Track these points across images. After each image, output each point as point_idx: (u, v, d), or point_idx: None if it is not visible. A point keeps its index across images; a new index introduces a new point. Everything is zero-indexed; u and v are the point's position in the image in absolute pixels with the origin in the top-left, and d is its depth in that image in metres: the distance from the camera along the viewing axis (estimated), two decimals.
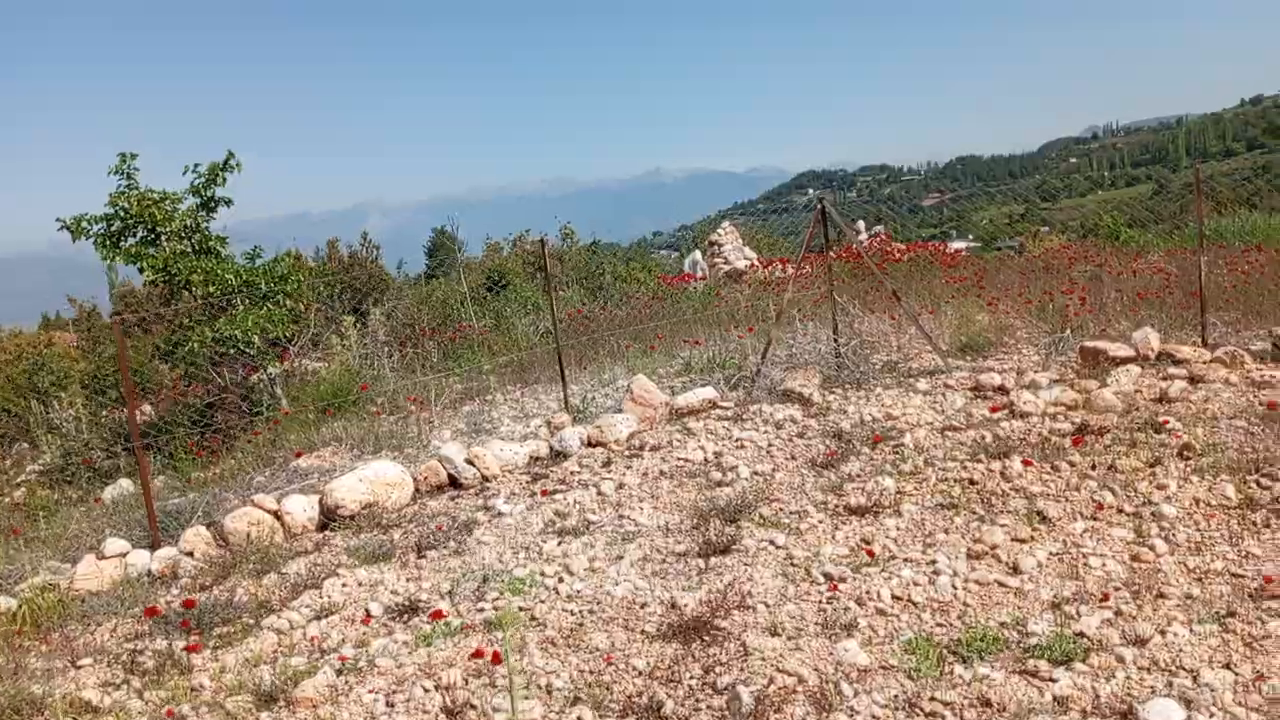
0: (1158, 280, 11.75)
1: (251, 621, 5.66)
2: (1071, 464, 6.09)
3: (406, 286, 19.67)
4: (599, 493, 7.02)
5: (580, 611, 5.01)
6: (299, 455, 8.71)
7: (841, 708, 3.81)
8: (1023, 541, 5.15)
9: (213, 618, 5.72)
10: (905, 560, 5.12)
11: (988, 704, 3.70)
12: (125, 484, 10.08)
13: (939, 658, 4.09)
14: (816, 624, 4.55)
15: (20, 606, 6.12)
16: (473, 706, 4.15)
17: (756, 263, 18.19)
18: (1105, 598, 4.43)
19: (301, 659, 4.97)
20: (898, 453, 6.89)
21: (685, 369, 10.72)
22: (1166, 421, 6.53)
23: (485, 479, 7.74)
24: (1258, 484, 5.41)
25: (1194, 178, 10.05)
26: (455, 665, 4.52)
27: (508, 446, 8.10)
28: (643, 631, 4.71)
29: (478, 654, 4.43)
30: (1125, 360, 8.24)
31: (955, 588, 4.72)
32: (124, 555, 6.97)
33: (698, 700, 4.02)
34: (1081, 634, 4.13)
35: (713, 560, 5.45)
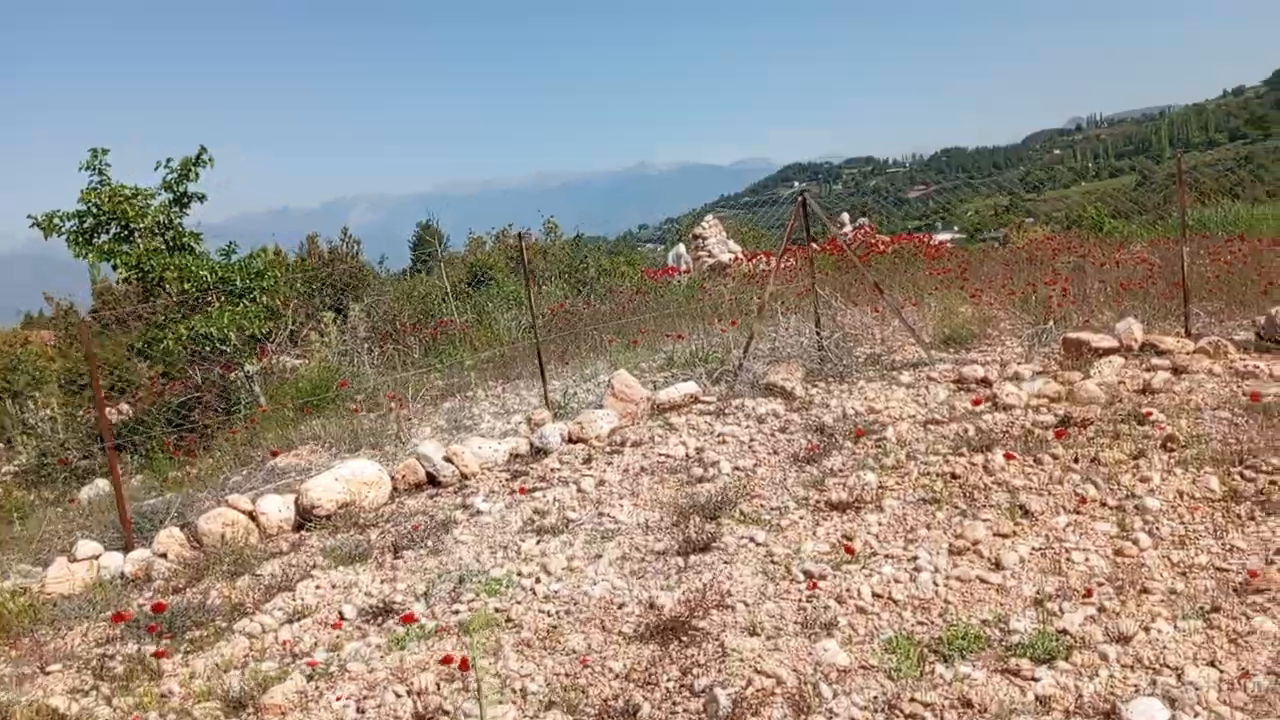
0: (1141, 271, 11.73)
1: (224, 625, 5.55)
2: (1054, 457, 6.03)
3: (388, 282, 19.50)
4: (579, 490, 6.93)
5: (557, 612, 4.92)
6: (276, 454, 8.59)
7: (820, 710, 3.74)
8: (1005, 536, 5.09)
9: (185, 621, 5.61)
10: (886, 557, 5.05)
11: (969, 704, 3.63)
12: (102, 484, 9.93)
13: (920, 657, 4.02)
14: (796, 623, 4.48)
15: None
16: (445, 713, 4.06)
17: (740, 256, 18.12)
18: (1088, 594, 4.37)
19: (273, 664, 4.87)
20: (880, 447, 6.82)
21: (668, 363, 10.63)
22: (1150, 413, 6.48)
23: (464, 477, 7.64)
24: (1241, 476, 5.36)
25: (1176, 168, 10.03)
26: (428, 669, 4.43)
27: (487, 444, 8.00)
28: (620, 632, 4.62)
29: (447, 660, 4.34)
30: (1108, 351, 8.19)
31: (937, 585, 4.65)
32: (96, 557, 6.85)
33: (674, 703, 3.94)
34: (1064, 631, 4.07)
35: (692, 558, 5.37)
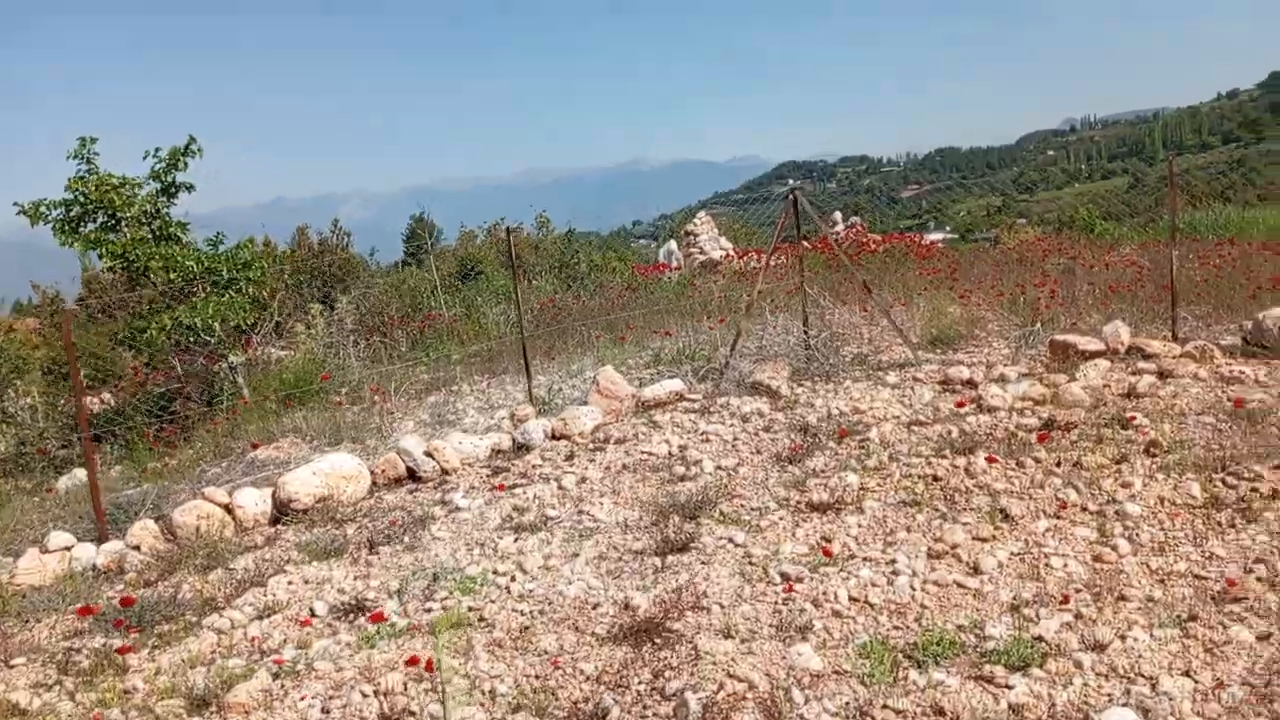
0: (1130, 273, 11.71)
1: (195, 619, 5.48)
2: (1037, 460, 5.99)
3: (378, 274, 19.41)
4: (560, 487, 6.86)
5: (531, 612, 4.86)
6: (256, 446, 8.51)
7: (791, 716, 3.69)
8: (984, 540, 5.04)
9: (154, 615, 5.53)
10: (865, 559, 5.00)
11: (941, 712, 3.58)
12: (80, 474, 9.83)
13: (894, 662, 3.97)
14: (771, 626, 4.43)
15: None
16: (411, 713, 4.00)
17: (732, 253, 18.07)
18: (1065, 600, 4.32)
19: (240, 661, 4.80)
20: (863, 448, 6.77)
21: (655, 360, 10.58)
22: (1134, 418, 6.45)
23: (445, 472, 7.57)
24: (1223, 483, 5.32)
25: (1168, 171, 10.00)
26: (397, 669, 4.36)
27: (469, 439, 7.93)
28: (593, 633, 4.56)
29: (413, 661, 4.27)
30: (1095, 354, 8.16)
31: (914, 589, 4.60)
32: (69, 549, 6.77)
33: (645, 706, 3.88)
34: (1040, 638, 4.02)
35: (670, 559, 5.31)
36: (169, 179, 11.24)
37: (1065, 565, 4.70)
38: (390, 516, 6.64)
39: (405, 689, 4.17)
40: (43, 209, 10.92)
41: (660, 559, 5.33)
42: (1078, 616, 4.19)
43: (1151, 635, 3.93)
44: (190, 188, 11.45)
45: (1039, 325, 9.61)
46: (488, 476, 7.40)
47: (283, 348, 13.27)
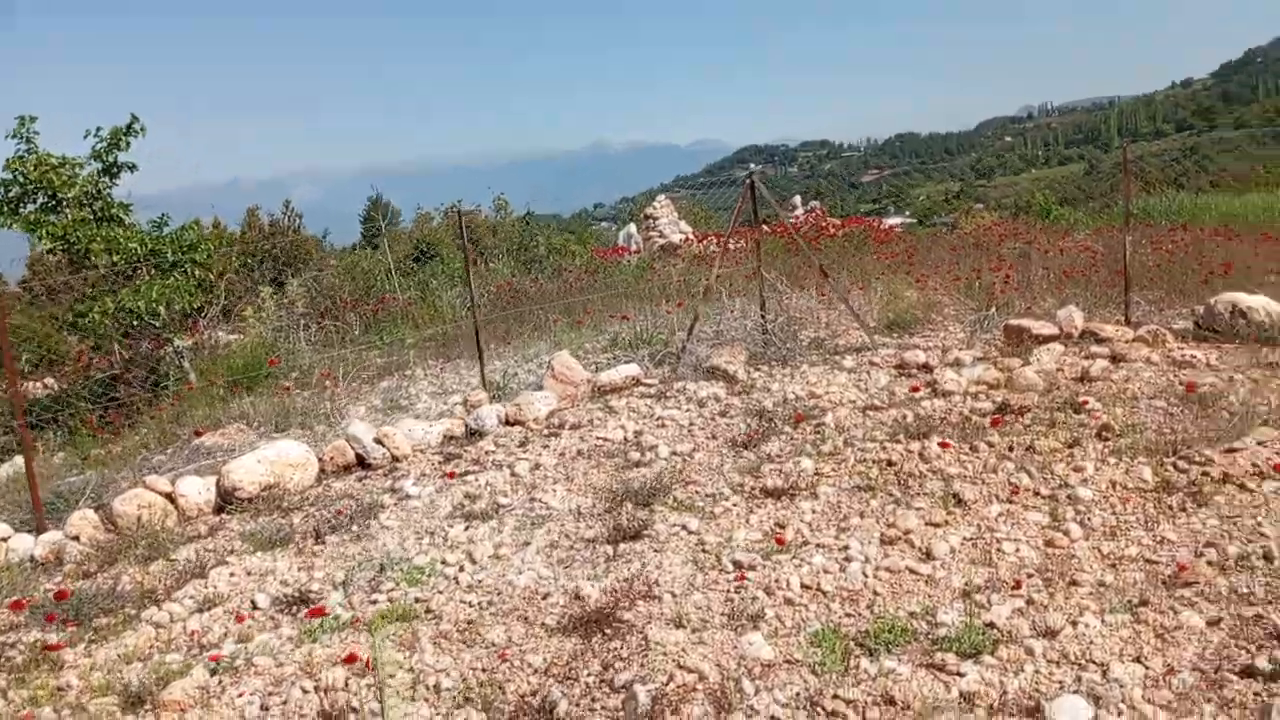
0: (1084, 258, 11.78)
1: (134, 612, 5.31)
2: (990, 444, 5.98)
3: (331, 256, 19.07)
4: (513, 474, 6.75)
5: (479, 603, 4.75)
6: (200, 433, 8.29)
7: (741, 707, 3.62)
8: (937, 526, 5.01)
9: (93, 608, 5.35)
10: (818, 546, 4.94)
11: (892, 702, 3.53)
12: (20, 462, 9.55)
13: (845, 651, 3.91)
14: (723, 615, 4.36)
15: None
16: (354, 710, 3.88)
17: (691, 237, 17.98)
18: (1017, 585, 4.30)
19: (178, 656, 4.65)
20: (819, 432, 6.73)
21: (612, 344, 10.47)
22: (1086, 402, 6.46)
23: (395, 459, 7.43)
24: (1175, 467, 5.34)
25: (1123, 158, 10.05)
26: (339, 664, 4.24)
27: (419, 425, 7.79)
28: (543, 624, 4.47)
29: (351, 658, 4.15)
30: (1049, 338, 8.19)
31: (866, 575, 4.55)
32: (5, 540, 6.54)
33: (594, 699, 3.80)
34: (992, 624, 3.99)
35: (622, 547, 5.23)
36: (110, 159, 10.93)
37: (1017, 550, 4.68)
38: (338, 505, 6.49)
39: (347, 685, 4.05)
40: None
41: (613, 547, 5.24)
42: (1029, 602, 4.17)
43: (1103, 621, 3.91)
44: (133, 168, 11.15)
45: (994, 310, 9.63)
46: (439, 463, 7.27)
47: (231, 332, 12.99)
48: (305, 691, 4.05)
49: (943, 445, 5.94)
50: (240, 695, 4.09)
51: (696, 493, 5.96)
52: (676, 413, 7.73)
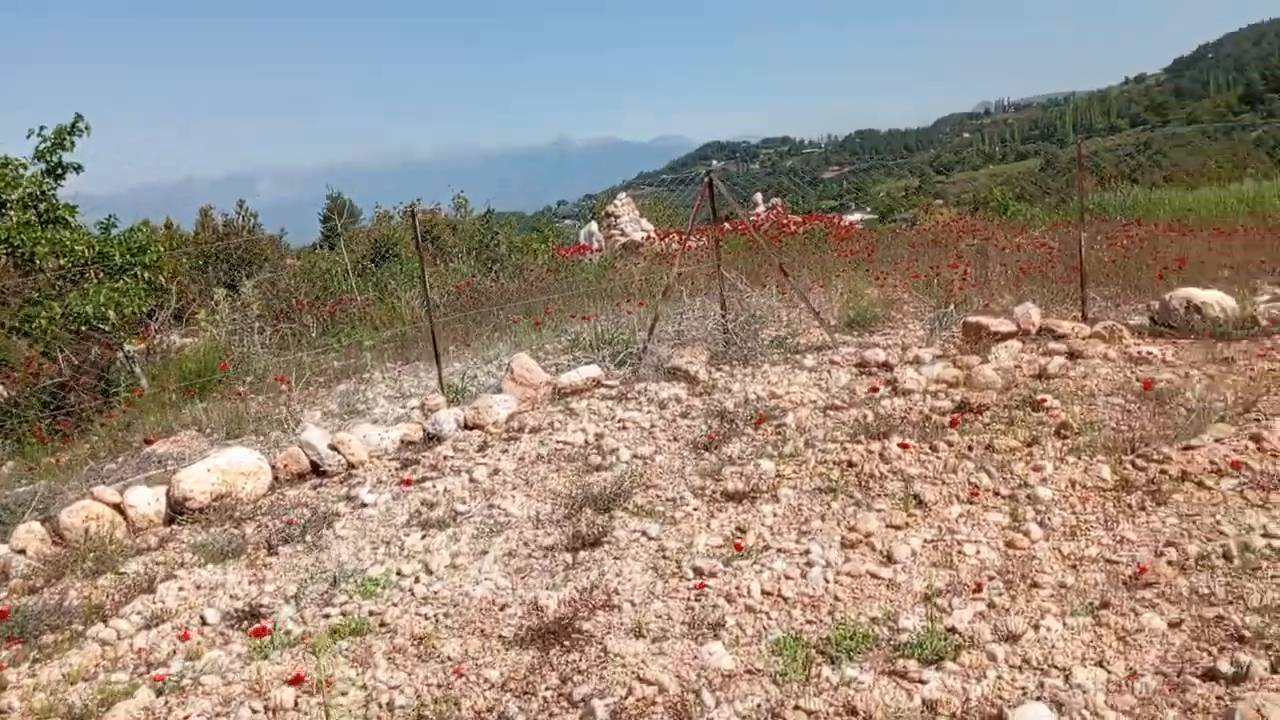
0: (1041, 255, 11.87)
1: (81, 629, 5.14)
2: (950, 444, 5.96)
3: (289, 256, 18.77)
4: (471, 480, 6.64)
5: (435, 615, 4.64)
6: (149, 441, 8.09)
7: (701, 719, 3.55)
8: (898, 528, 4.98)
9: (38, 625, 5.18)
10: (779, 551, 4.88)
11: (854, 712, 3.48)
12: None
13: (807, 659, 3.86)
14: (683, 624, 4.28)
15: None
16: None
17: (653, 235, 17.92)
18: (978, 588, 4.27)
19: (124, 675, 4.49)
20: (780, 433, 6.69)
21: (573, 345, 10.37)
22: (1044, 400, 6.47)
23: (351, 466, 7.28)
24: (1133, 465, 5.35)
25: (1077, 154, 10.12)
26: (289, 684, 4.11)
27: (376, 430, 7.65)
28: (500, 636, 4.37)
29: (296, 679, 4.03)
30: (1007, 336, 8.21)
31: (827, 580, 4.51)
32: None
33: (551, 715, 3.71)
34: (953, 629, 3.95)
35: (581, 554, 5.14)
36: (55, 159, 10.62)
37: (978, 552, 4.66)
38: (291, 514, 6.35)
39: (296, 705, 3.92)
40: None
41: (572, 555, 5.16)
42: (990, 606, 4.14)
43: (1064, 624, 3.89)
44: (78, 168, 10.84)
45: (953, 307, 9.66)
46: (396, 469, 7.14)
47: (185, 335, 12.72)
48: (254, 712, 3.92)
49: (903, 446, 5.91)
50: (186, 717, 3.96)
51: (657, 497, 5.89)
52: (638, 414, 7.66)
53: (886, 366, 7.99)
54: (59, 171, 10.77)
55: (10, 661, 4.78)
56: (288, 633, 4.63)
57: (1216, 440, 5.47)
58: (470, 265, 16.40)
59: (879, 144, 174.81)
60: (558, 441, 7.27)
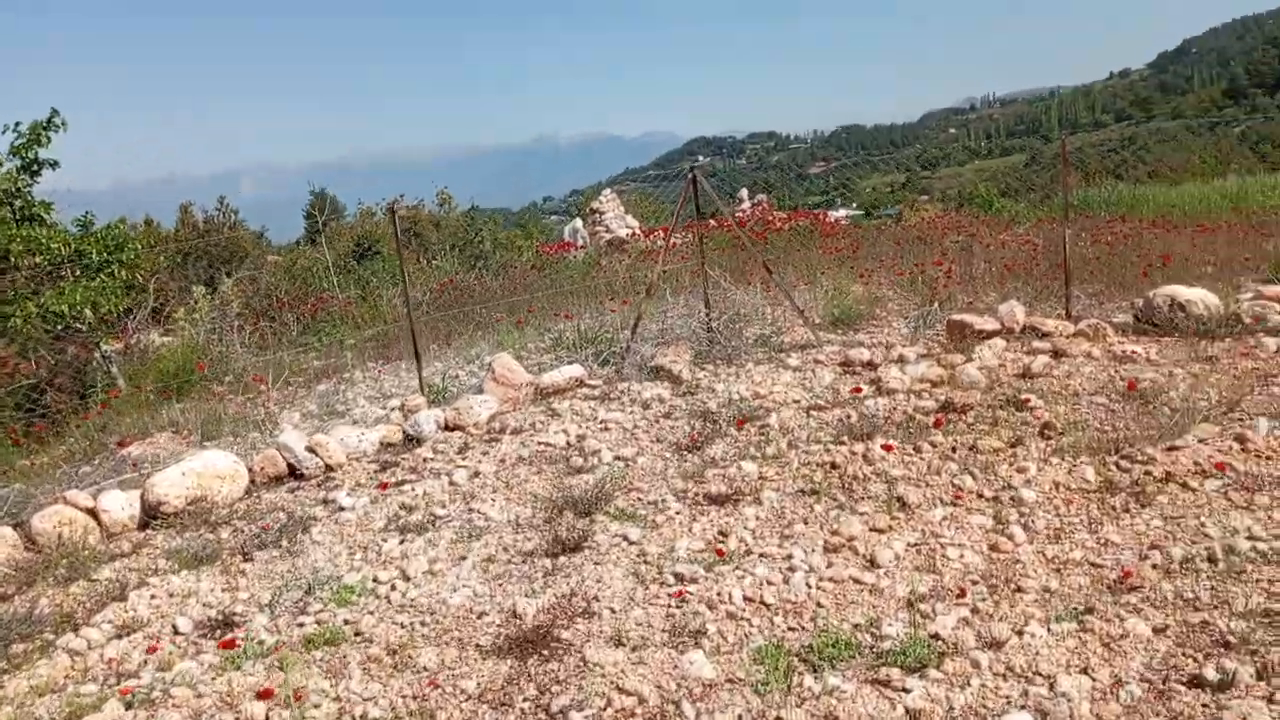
0: (1025, 251, 11.84)
1: (52, 638, 5.03)
2: (933, 445, 5.91)
3: (270, 253, 18.59)
4: (451, 483, 6.55)
5: (411, 624, 4.56)
6: (124, 444, 7.96)
7: None
8: (881, 532, 4.92)
9: (8, 634, 5.07)
10: (761, 555, 4.82)
11: None
12: None
13: (788, 668, 3.79)
14: (664, 631, 4.22)
15: None
16: None
17: (638, 232, 17.84)
18: (962, 594, 4.22)
19: (94, 687, 4.39)
20: (763, 434, 6.63)
21: (556, 344, 10.28)
22: (1028, 399, 6.42)
23: (329, 468, 7.18)
24: (1117, 466, 5.30)
25: (1061, 151, 10.09)
26: (258, 698, 4.02)
27: (354, 432, 7.55)
28: (477, 645, 4.29)
29: (266, 694, 3.94)
30: (991, 334, 8.17)
31: (810, 586, 4.44)
32: None
33: None
34: (937, 636, 3.90)
35: (561, 560, 5.07)
36: (30, 155, 10.47)
37: (962, 556, 4.61)
38: (267, 519, 6.25)
39: (268, 718, 3.84)
40: None
41: (551, 560, 5.08)
42: (974, 611, 4.08)
43: (1049, 630, 3.84)
44: (54, 164, 10.70)
45: (937, 305, 9.62)
46: (375, 472, 7.04)
47: (164, 334, 12.57)
48: None
49: (886, 447, 5.86)
50: None
51: (639, 500, 5.82)
52: (620, 415, 7.58)
53: (871, 365, 7.94)
54: (34, 168, 10.63)
55: None
56: (260, 642, 4.53)
57: (1200, 440, 5.44)
58: (453, 262, 16.28)
59: (865, 139, 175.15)
60: (539, 443, 7.19)
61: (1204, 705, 3.25)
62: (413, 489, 6.50)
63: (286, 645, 4.47)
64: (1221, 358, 7.14)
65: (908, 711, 3.47)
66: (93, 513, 6.58)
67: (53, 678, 4.58)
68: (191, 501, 6.62)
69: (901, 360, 7.87)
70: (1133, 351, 7.41)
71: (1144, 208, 16.71)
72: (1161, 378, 6.73)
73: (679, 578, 4.67)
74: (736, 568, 4.72)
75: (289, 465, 7.13)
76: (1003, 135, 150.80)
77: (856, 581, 4.46)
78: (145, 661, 4.58)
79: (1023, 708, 3.37)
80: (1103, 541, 4.59)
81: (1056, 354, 7.55)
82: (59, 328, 10.44)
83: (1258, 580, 4.01)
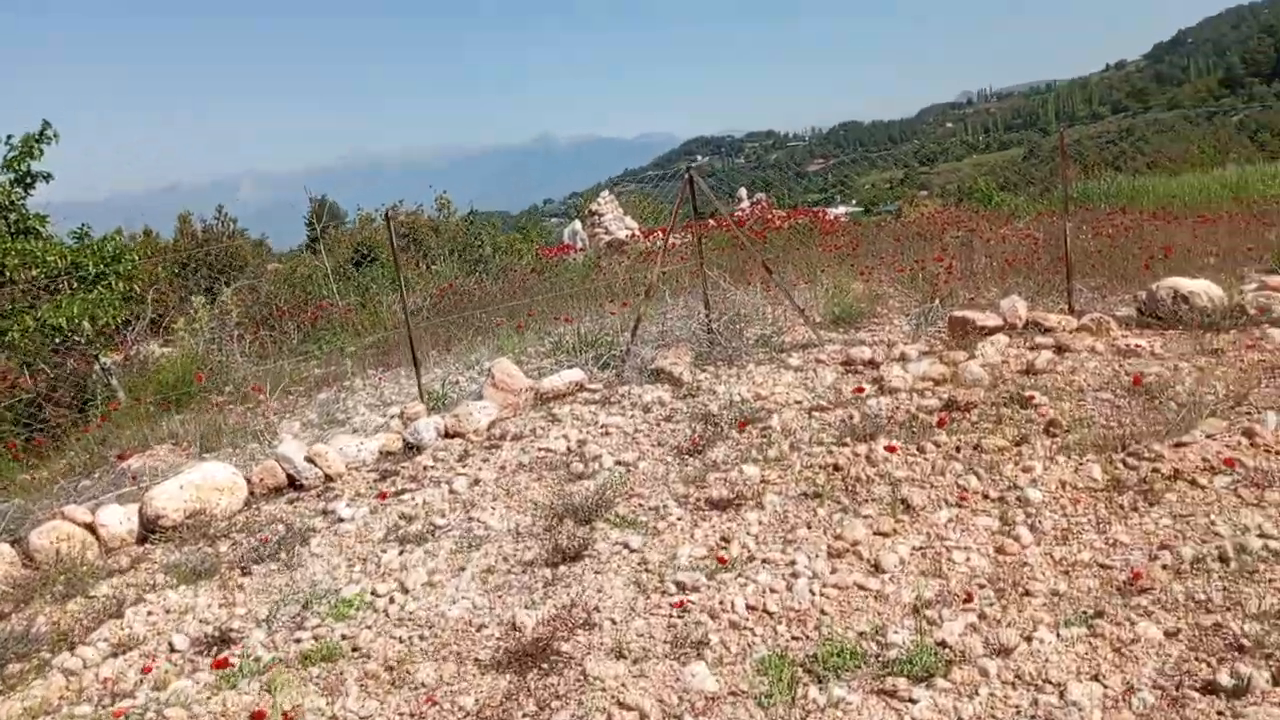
0: (1026, 246, 11.76)
1: (49, 657, 4.98)
2: (937, 444, 5.83)
3: (271, 260, 18.54)
4: (451, 491, 6.49)
5: (410, 638, 4.50)
6: (123, 457, 7.91)
7: None
8: (885, 535, 4.85)
9: (4, 654, 5.01)
10: (764, 562, 4.75)
11: None
12: None
13: (792, 679, 3.72)
14: (666, 642, 4.15)
15: None
16: None
17: (638, 233, 17.77)
18: (969, 598, 4.14)
19: (89, 708, 4.34)
20: (765, 436, 6.56)
21: (556, 348, 10.21)
22: (1032, 396, 6.34)
23: (329, 478, 7.12)
24: (1124, 464, 5.22)
25: (1060, 143, 10.01)
26: (253, 718, 3.96)
27: (353, 441, 7.48)
28: (476, 659, 4.23)
29: (259, 716, 3.88)
30: (993, 330, 8.09)
31: (813, 593, 4.37)
32: None
33: None
34: (944, 643, 3.83)
35: (561, 569, 5.00)
36: (23, 168, 10.41)
37: (968, 559, 4.53)
38: (266, 531, 6.19)
39: None
40: None
41: (551, 570, 5.01)
42: (982, 617, 4.01)
43: (1058, 635, 3.76)
44: (48, 177, 10.64)
45: (938, 301, 9.53)
46: (375, 482, 6.98)
47: (163, 345, 12.52)
48: None
49: (889, 448, 5.78)
50: None
51: (640, 506, 5.75)
52: (621, 419, 7.51)
53: (872, 364, 7.87)
54: (28, 181, 10.58)
55: None
56: (257, 659, 4.47)
57: (1208, 436, 5.36)
58: (453, 267, 16.22)
59: (863, 136, 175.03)
60: (539, 449, 7.12)
61: (1219, 712, 3.18)
62: (412, 498, 6.43)
63: (283, 662, 4.41)
64: (1227, 350, 7.05)
65: None
66: (91, 528, 6.53)
67: (47, 699, 4.52)
68: (190, 515, 6.56)
69: (903, 358, 7.80)
70: (1137, 345, 7.33)
71: (1144, 199, 16.61)
72: (1167, 372, 6.65)
73: (681, 586, 4.61)
74: (739, 575, 4.65)
75: (288, 476, 7.07)
76: (1000, 129, 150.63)
77: (861, 588, 4.39)
78: (140, 681, 4.53)
79: (1033, 718, 3.30)
80: (1111, 542, 4.52)
81: (1060, 349, 7.47)
82: (57, 341, 10.39)
83: (1270, 580, 3.93)
